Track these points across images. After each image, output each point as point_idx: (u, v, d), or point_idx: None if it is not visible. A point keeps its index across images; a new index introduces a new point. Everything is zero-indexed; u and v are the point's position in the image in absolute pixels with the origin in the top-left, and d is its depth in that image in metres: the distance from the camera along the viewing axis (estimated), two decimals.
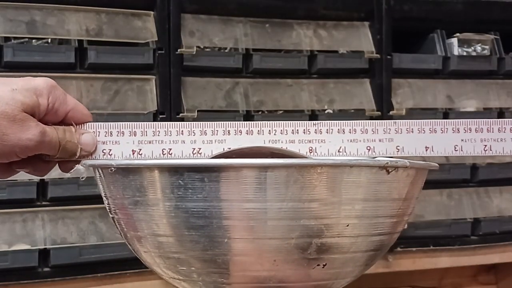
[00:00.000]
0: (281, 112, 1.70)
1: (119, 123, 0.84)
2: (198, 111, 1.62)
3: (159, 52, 1.60)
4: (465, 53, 1.86)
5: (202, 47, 1.65)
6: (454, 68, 1.85)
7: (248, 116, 1.66)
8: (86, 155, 0.83)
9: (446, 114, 1.83)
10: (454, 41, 1.85)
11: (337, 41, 1.76)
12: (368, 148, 0.85)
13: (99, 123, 0.84)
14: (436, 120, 0.86)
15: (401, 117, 1.75)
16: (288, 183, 0.68)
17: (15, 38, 1.53)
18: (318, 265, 0.73)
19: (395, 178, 0.72)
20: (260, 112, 1.68)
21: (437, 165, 0.79)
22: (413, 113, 1.80)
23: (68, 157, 0.83)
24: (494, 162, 1.87)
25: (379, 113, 1.76)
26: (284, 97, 1.71)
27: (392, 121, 0.86)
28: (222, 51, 1.68)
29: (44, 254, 1.52)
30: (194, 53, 1.63)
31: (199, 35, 1.65)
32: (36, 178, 1.50)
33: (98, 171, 0.79)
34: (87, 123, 0.84)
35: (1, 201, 1.49)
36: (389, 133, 0.85)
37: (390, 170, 0.71)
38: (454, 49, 1.85)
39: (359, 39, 1.78)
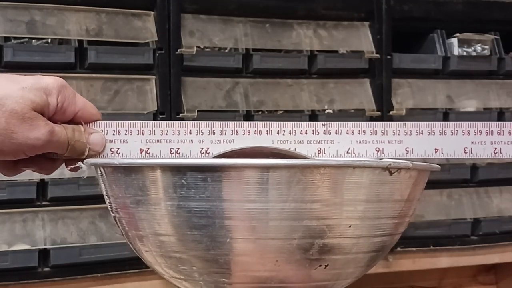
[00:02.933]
0: (281, 112, 1.70)
1: (127, 121, 0.84)
2: (198, 111, 1.62)
3: (159, 52, 1.60)
4: (465, 53, 1.86)
5: (202, 47, 1.65)
6: (454, 68, 1.85)
7: (248, 116, 1.66)
8: (95, 155, 0.83)
9: (446, 114, 1.83)
10: (454, 41, 1.85)
11: (337, 41, 1.76)
12: (377, 149, 0.84)
13: (108, 121, 0.84)
14: (446, 122, 0.85)
15: (401, 117, 1.76)
16: (290, 184, 0.68)
17: (15, 38, 1.54)
18: (320, 265, 0.72)
19: (397, 179, 0.72)
20: (260, 112, 1.68)
21: (439, 166, 0.79)
22: (413, 113, 1.80)
23: (76, 156, 0.82)
24: (494, 162, 1.87)
25: (379, 113, 1.76)
26: (284, 97, 1.71)
27: (402, 122, 0.85)
28: (222, 51, 1.68)
29: (44, 254, 1.52)
30: (194, 53, 1.63)
31: (199, 35, 1.65)
32: (36, 178, 1.50)
33: (100, 170, 0.78)
34: (96, 122, 0.84)
35: (1, 201, 1.50)
36: (398, 134, 0.84)
37: (392, 172, 0.71)
38: (454, 49, 1.85)
39: (359, 39, 1.78)
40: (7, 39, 1.52)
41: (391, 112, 1.78)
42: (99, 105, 1.55)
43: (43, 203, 1.53)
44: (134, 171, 0.73)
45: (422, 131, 0.84)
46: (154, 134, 0.83)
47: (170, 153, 0.83)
